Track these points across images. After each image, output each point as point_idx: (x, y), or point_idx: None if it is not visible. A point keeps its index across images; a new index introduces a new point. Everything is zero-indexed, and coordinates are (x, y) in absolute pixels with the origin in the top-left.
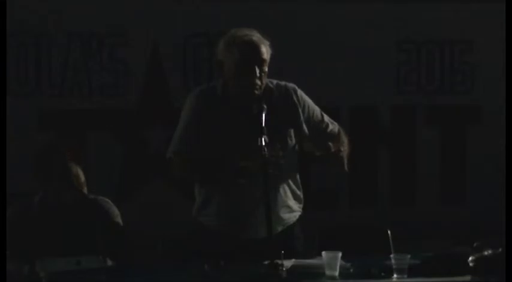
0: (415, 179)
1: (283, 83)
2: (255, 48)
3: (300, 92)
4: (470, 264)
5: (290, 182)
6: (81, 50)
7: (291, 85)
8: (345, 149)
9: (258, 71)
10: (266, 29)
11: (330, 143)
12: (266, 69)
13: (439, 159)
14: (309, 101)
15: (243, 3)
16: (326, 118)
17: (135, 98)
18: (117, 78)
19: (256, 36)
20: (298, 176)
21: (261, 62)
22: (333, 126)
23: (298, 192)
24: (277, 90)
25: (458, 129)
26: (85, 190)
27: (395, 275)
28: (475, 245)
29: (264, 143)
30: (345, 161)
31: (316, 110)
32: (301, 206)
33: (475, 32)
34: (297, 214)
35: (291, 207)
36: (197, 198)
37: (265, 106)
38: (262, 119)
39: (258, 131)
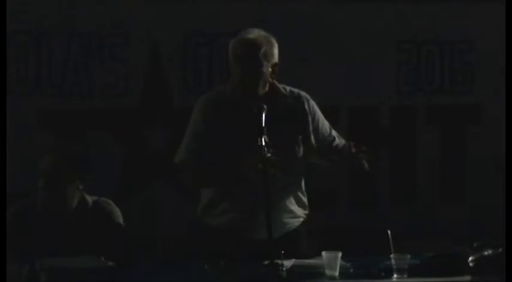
0: (415, 179)
1: (296, 90)
2: (243, 46)
3: (312, 102)
4: (470, 264)
5: (295, 187)
6: (81, 50)
7: (304, 93)
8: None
9: (241, 69)
10: (266, 29)
11: (334, 156)
12: (263, 68)
13: (439, 159)
14: (319, 113)
15: (243, 3)
16: (334, 132)
17: (135, 98)
18: (117, 78)
19: (253, 34)
20: (303, 183)
21: (248, 60)
22: (339, 141)
23: (304, 199)
24: (289, 96)
25: (458, 129)
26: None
27: (395, 275)
28: (475, 245)
29: (264, 143)
30: (363, 160)
31: (325, 123)
32: (306, 212)
33: (475, 32)
34: (301, 220)
35: (294, 213)
36: (202, 198)
37: (265, 106)
38: (262, 119)
39: (258, 131)
